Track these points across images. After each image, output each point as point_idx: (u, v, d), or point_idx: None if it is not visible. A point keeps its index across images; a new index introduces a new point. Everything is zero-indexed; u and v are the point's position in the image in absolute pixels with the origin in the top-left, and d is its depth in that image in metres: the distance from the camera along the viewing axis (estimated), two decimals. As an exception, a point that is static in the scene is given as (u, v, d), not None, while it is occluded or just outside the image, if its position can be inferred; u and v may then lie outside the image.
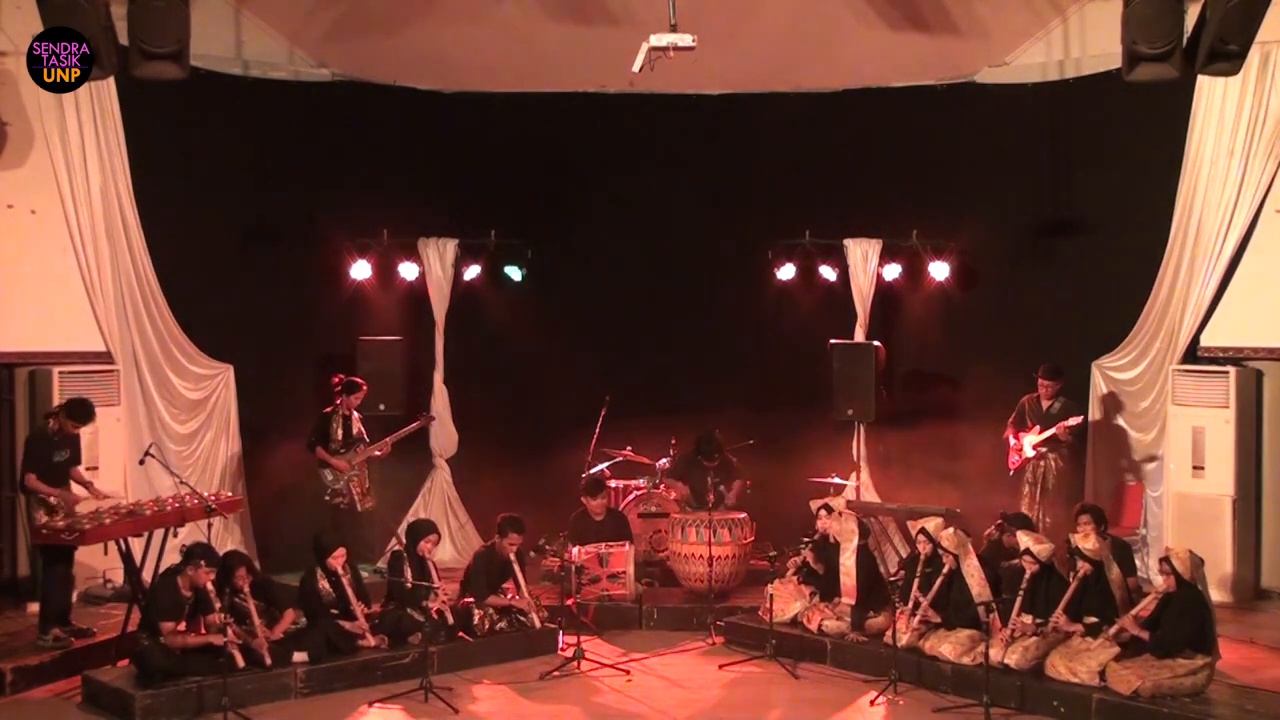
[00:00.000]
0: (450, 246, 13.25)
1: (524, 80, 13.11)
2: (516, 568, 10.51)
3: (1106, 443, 12.32)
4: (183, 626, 9.14)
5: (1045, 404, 11.71)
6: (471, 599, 10.30)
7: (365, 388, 11.97)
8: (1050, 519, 11.45)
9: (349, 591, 9.85)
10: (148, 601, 9.49)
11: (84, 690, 9.24)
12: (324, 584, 9.90)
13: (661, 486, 12.39)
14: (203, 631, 9.14)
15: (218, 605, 9.09)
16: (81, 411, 10.09)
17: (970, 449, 12.50)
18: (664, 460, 12.59)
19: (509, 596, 10.44)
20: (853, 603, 10.22)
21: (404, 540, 10.71)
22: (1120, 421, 12.24)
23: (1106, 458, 12.34)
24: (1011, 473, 11.85)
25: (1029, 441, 11.64)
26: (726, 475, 12.02)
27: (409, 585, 9.99)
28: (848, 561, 10.36)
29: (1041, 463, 11.64)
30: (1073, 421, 11.42)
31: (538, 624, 10.43)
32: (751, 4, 12.33)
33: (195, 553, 9.22)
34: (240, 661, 9.00)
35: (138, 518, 9.96)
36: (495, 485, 12.93)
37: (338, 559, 9.96)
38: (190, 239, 12.13)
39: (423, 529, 10.50)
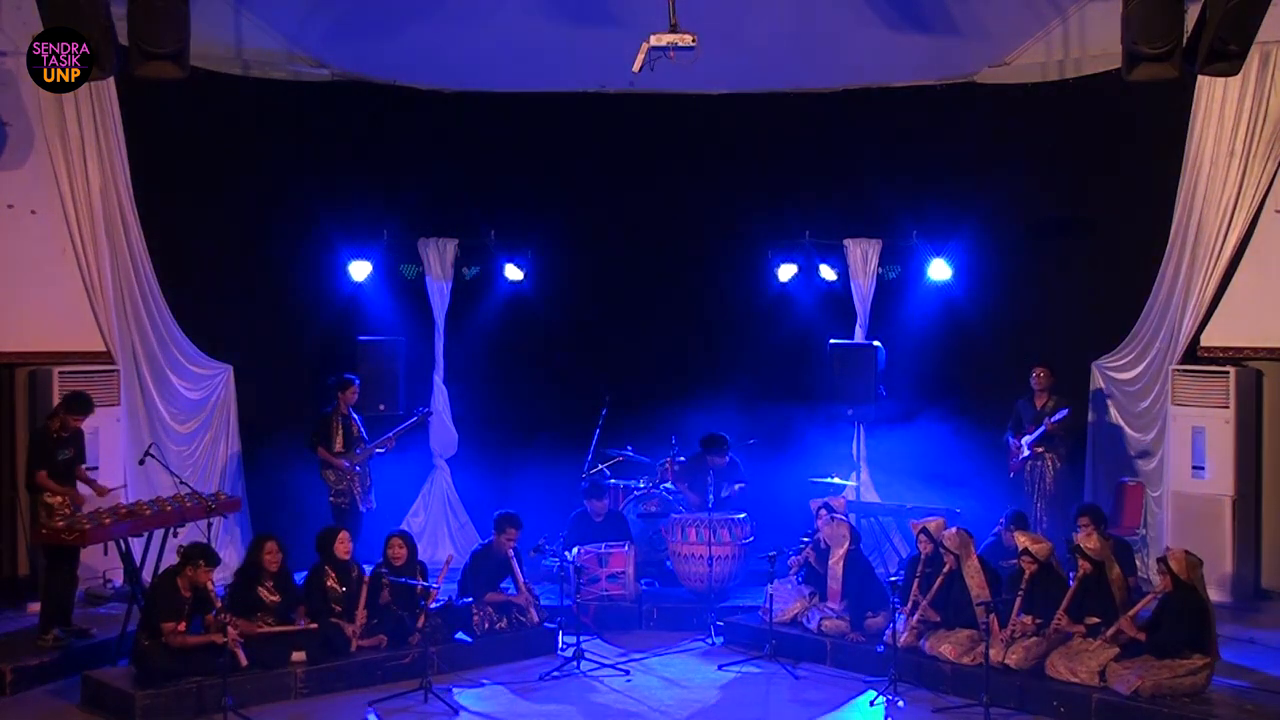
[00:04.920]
0: (450, 246, 13.27)
1: (524, 80, 13.11)
2: (514, 564, 10.50)
3: (1106, 443, 12.32)
4: (182, 627, 9.15)
5: (1039, 401, 11.71)
6: (471, 598, 10.31)
7: (356, 382, 11.96)
8: (1048, 519, 11.46)
9: (360, 592, 9.83)
10: (147, 602, 9.49)
11: (84, 690, 9.25)
12: (331, 581, 9.90)
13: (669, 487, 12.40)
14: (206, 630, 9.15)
15: (217, 605, 9.09)
16: (80, 403, 10.11)
17: (970, 449, 12.50)
18: (664, 460, 12.57)
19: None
20: (836, 607, 10.23)
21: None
22: (1119, 421, 12.24)
23: (1106, 458, 12.33)
24: (1012, 475, 11.84)
25: (1026, 442, 11.64)
26: (731, 476, 12.00)
27: (386, 582, 9.96)
28: (835, 566, 10.37)
29: (1039, 462, 11.64)
30: (1059, 416, 11.41)
31: (535, 618, 10.42)
32: (751, 4, 12.33)
33: (194, 553, 9.22)
34: (243, 660, 8.99)
35: (138, 518, 9.96)
36: (495, 485, 12.94)
37: (343, 545, 9.97)
38: (190, 240, 12.13)
39: (387, 538, 10.34)
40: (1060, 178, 12.64)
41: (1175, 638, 8.76)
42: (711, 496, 11.34)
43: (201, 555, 9.20)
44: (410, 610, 9.79)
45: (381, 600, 9.87)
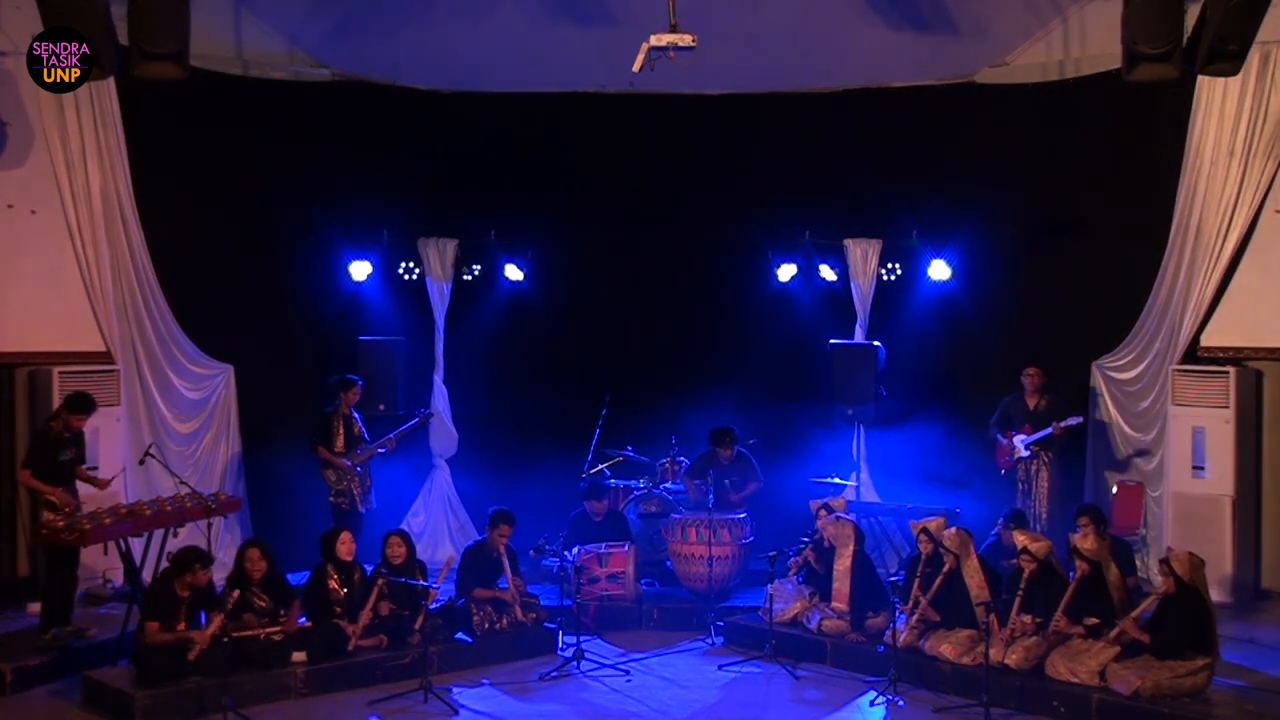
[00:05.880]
0: (450, 246, 13.28)
1: (524, 80, 13.12)
2: (506, 560, 10.50)
3: (1105, 443, 12.32)
4: (182, 626, 9.13)
5: (1031, 400, 11.70)
6: (465, 598, 10.31)
7: (359, 383, 11.96)
8: (1045, 517, 11.46)
9: (367, 595, 9.80)
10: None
11: (84, 690, 9.25)
12: (333, 583, 9.90)
13: (669, 486, 12.38)
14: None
15: (219, 615, 9.06)
16: (82, 403, 10.11)
17: (970, 449, 12.50)
18: (664, 460, 12.58)
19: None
20: (844, 609, 10.22)
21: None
22: (1119, 421, 12.23)
23: (1106, 458, 12.33)
24: (1003, 472, 11.84)
25: (1021, 441, 11.62)
26: (742, 472, 11.97)
27: (381, 583, 9.94)
28: (842, 568, 10.35)
29: (1034, 462, 11.63)
30: (1071, 422, 11.39)
31: (520, 616, 10.40)
32: (751, 4, 12.33)
33: (189, 558, 9.20)
34: (191, 656, 8.91)
35: (138, 518, 9.96)
36: (495, 485, 12.93)
37: (345, 546, 9.97)
38: (190, 239, 12.13)
39: (385, 537, 10.33)
40: (1060, 178, 12.64)
41: (1177, 639, 8.76)
42: (711, 495, 11.31)
43: (196, 559, 9.21)
44: (410, 610, 9.80)
45: (381, 611, 9.85)
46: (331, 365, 12.37)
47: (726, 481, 11.71)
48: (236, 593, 9.25)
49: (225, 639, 8.91)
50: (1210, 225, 11.36)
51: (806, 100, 13.33)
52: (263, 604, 9.56)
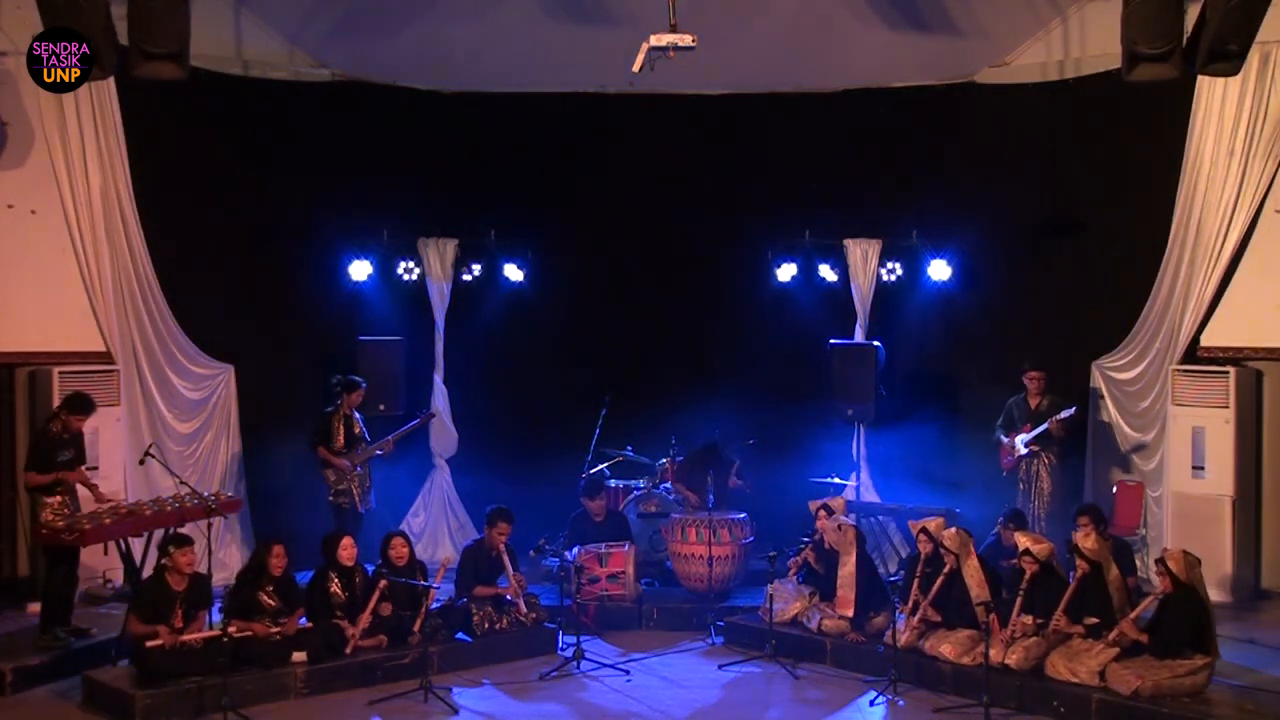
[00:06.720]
0: (450, 246, 13.28)
1: (524, 80, 13.12)
2: (505, 558, 10.50)
3: (1105, 442, 12.32)
4: (180, 623, 9.12)
5: (1034, 401, 11.70)
6: (466, 597, 10.31)
7: (364, 386, 11.96)
8: (1046, 517, 11.47)
9: (369, 597, 9.78)
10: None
11: (84, 690, 9.25)
12: (334, 586, 9.90)
13: (668, 486, 12.38)
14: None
15: (221, 625, 9.07)
16: (81, 404, 10.10)
17: (970, 449, 12.50)
18: (664, 460, 12.58)
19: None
20: (849, 615, 10.20)
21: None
22: (1118, 420, 12.24)
23: (1105, 457, 12.33)
24: (1005, 473, 11.84)
25: (1021, 440, 11.62)
26: (721, 469, 11.96)
27: (383, 585, 9.93)
28: (845, 574, 10.33)
29: (1035, 461, 11.63)
30: (1065, 414, 11.38)
31: (523, 609, 10.40)
32: (751, 4, 12.34)
33: (164, 544, 9.27)
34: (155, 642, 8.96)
35: (138, 518, 9.96)
36: (495, 485, 12.92)
37: (346, 549, 9.96)
38: (190, 239, 12.13)
39: (387, 538, 10.33)
40: (1060, 178, 12.65)
41: (1176, 638, 8.76)
42: (712, 495, 11.31)
43: (171, 541, 9.27)
44: (411, 610, 9.80)
45: (382, 612, 9.84)
46: (331, 365, 12.37)
47: (712, 478, 11.72)
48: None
49: (225, 639, 8.90)
50: (1210, 225, 11.36)
51: (806, 100, 13.34)
52: (272, 604, 9.57)
